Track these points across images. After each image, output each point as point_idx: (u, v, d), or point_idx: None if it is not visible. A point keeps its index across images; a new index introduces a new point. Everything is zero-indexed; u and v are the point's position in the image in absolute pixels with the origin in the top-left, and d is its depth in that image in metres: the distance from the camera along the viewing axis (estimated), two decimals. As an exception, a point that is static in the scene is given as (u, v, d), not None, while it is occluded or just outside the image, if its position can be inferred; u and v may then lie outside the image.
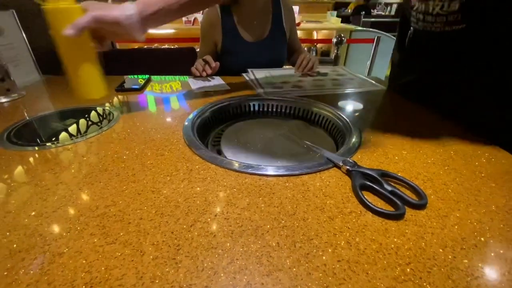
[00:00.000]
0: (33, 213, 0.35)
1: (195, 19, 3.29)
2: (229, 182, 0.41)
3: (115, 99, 0.76)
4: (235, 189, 0.39)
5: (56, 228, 0.32)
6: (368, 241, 0.31)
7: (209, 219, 0.34)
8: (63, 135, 0.56)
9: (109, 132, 0.57)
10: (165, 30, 3.22)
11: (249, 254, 0.29)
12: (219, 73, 0.99)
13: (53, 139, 0.54)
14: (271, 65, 1.04)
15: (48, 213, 0.35)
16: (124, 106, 0.72)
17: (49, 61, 1.21)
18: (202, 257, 0.29)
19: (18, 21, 0.89)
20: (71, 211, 0.35)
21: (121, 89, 0.82)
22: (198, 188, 0.39)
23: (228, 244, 0.31)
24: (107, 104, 0.71)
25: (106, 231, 0.32)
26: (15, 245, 0.30)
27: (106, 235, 0.31)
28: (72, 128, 0.59)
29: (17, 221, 0.33)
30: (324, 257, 0.29)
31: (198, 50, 1.44)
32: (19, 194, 0.38)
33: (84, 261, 0.28)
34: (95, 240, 0.31)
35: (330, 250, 0.30)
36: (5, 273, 0.27)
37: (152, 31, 3.24)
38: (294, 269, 0.28)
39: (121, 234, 0.32)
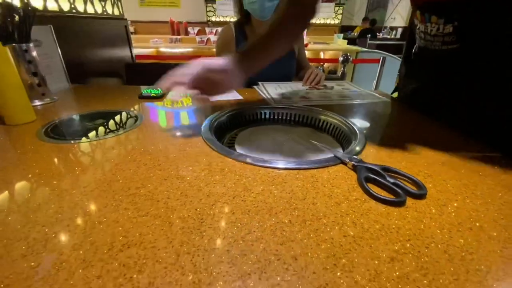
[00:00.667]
0: (74, 191, 0.40)
1: (207, 39, 3.48)
2: (244, 172, 0.45)
3: (139, 105, 0.82)
4: (250, 178, 0.44)
5: (94, 203, 0.37)
6: (372, 222, 0.35)
7: (228, 201, 0.38)
8: (93, 132, 0.62)
9: (136, 130, 0.62)
10: (181, 49, 3.41)
11: (264, 228, 0.33)
12: None
13: (84, 136, 0.60)
14: (280, 80, 1.11)
15: (86, 191, 0.39)
16: (147, 111, 0.78)
17: (77, 72, 1.32)
18: (223, 228, 0.33)
19: (54, 35, 0.99)
20: (106, 191, 0.40)
21: (144, 96, 0.89)
22: (217, 177, 0.44)
23: (246, 219, 0.34)
24: (132, 109, 0.77)
25: (138, 207, 0.36)
26: (59, 215, 0.35)
27: (139, 210, 0.36)
28: (101, 129, 0.65)
29: (61, 197, 0.38)
30: (332, 233, 0.33)
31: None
32: (61, 177, 0.43)
33: (120, 228, 0.33)
34: (129, 213, 0.35)
35: (337, 228, 0.33)
36: (53, 235, 0.32)
37: (167, 49, 3.43)
38: (305, 241, 0.31)
39: (152, 209, 0.36)
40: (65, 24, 1.22)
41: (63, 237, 0.31)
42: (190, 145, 0.55)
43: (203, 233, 0.32)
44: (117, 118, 0.72)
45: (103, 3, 1.54)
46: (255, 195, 0.39)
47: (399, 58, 3.12)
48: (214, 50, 3.24)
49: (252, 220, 0.34)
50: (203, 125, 0.65)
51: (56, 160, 0.49)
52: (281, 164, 0.48)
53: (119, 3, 1.71)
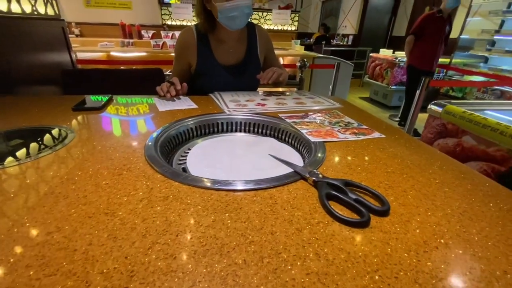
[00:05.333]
0: (-48, 247, 0.29)
1: (163, 43, 3.31)
2: (193, 200, 0.38)
3: (72, 119, 0.70)
4: (199, 207, 0.37)
5: (-20, 263, 0.27)
6: (337, 250, 0.31)
7: (169, 240, 0.31)
8: (8, 158, 0.49)
9: (61, 152, 0.52)
10: (133, 53, 3.18)
11: (213, 274, 0.27)
12: (192, 92, 0.99)
13: (-9, 162, 0.47)
14: (243, 89, 1.05)
15: (-28, 246, 0.29)
16: (81, 126, 0.67)
17: (-4, 81, 1.11)
18: (159, 282, 0.26)
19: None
20: (4, 241, 0.30)
21: (79, 108, 0.77)
22: (159, 208, 0.36)
23: (190, 265, 0.28)
24: (62, 125, 0.65)
25: (46, 262, 0.28)
26: None
27: (45, 266, 0.27)
28: (22, 150, 0.53)
29: None
30: (293, 271, 0.28)
31: (167, 71, 1.43)
32: None
33: (13, 300, 0.24)
34: (31, 273, 0.26)
35: (299, 263, 0.29)
36: None
37: (118, 53, 3.18)
38: (262, 287, 0.26)
39: (64, 263, 0.27)
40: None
41: None
42: (129, 167, 0.47)
43: (131, 293, 0.25)
44: (42, 136, 0.60)
45: (33, 2, 1.34)
46: (204, 229, 0.33)
47: (352, 64, 3.29)
48: (171, 54, 3.07)
49: (198, 266, 0.28)
50: (148, 140, 0.57)
51: None
52: (237, 185, 0.42)
53: (54, 2, 1.51)
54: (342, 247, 0.31)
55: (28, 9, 1.31)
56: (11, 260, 0.28)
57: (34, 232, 0.31)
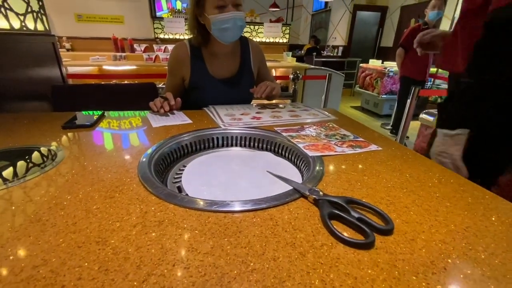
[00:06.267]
0: None
1: (156, 56, 3.32)
2: (190, 224, 0.37)
3: (62, 137, 0.68)
4: (197, 231, 0.35)
5: (-44, 306, 0.25)
6: (343, 276, 0.29)
7: (165, 271, 0.29)
8: (-12, 181, 0.47)
9: (50, 174, 0.49)
10: (125, 66, 3.17)
11: (213, 309, 0.25)
12: (186, 106, 0.97)
13: (-27, 187, 0.45)
14: (237, 102, 1.05)
15: (-52, 286, 0.27)
16: (71, 144, 0.64)
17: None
18: (156, 321, 0.24)
19: None
20: (-17, 279, 0.28)
21: (69, 126, 0.75)
22: (154, 234, 0.35)
23: (189, 299, 0.26)
24: (52, 143, 0.63)
25: (30, 302, 0.25)
26: None
27: (29, 307, 0.25)
28: (7, 172, 0.50)
29: None
30: (298, 302, 0.26)
31: (159, 85, 1.42)
32: None
33: None
34: (13, 316, 0.24)
35: (304, 292, 0.27)
36: None
37: (110, 67, 3.17)
38: (267, 322, 0.24)
39: (51, 303, 0.25)
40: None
41: None
42: (122, 189, 0.45)
43: (125, 335, 0.23)
44: (29, 157, 0.57)
45: (21, 18, 1.32)
46: (202, 257, 0.31)
47: (343, 74, 3.36)
48: (163, 67, 3.07)
49: (197, 299, 0.26)
50: (141, 159, 0.55)
51: None
52: (235, 206, 0.40)
53: (44, 18, 1.50)
54: (348, 272, 0.30)
55: (16, 25, 1.30)
56: (-8, 300, 0.25)
57: (18, 266, 0.29)
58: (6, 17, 1.23)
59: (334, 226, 0.36)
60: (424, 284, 0.29)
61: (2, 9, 1.20)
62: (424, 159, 0.61)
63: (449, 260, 0.32)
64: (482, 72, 0.61)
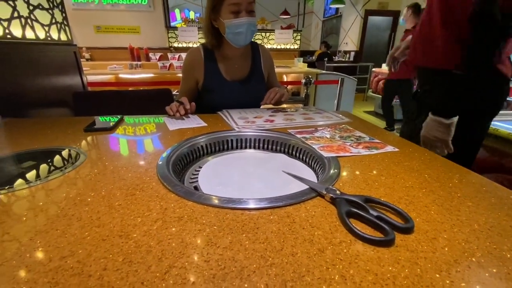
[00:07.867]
0: (-35, 274, 0.28)
1: (170, 64, 3.41)
2: (208, 220, 0.37)
3: (84, 140, 0.71)
4: (215, 227, 0.36)
5: (-7, 291, 0.26)
6: (363, 272, 0.29)
7: (186, 264, 0.30)
8: (19, 180, 0.49)
9: (73, 173, 0.52)
10: (141, 74, 3.28)
11: (234, 300, 0.25)
12: (199, 109, 1.00)
13: (7, 185, 0.47)
14: (249, 104, 1.07)
15: (-15, 273, 0.28)
16: (93, 146, 0.67)
17: (11, 104, 1.15)
18: (178, 310, 0.24)
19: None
20: (17, 267, 0.29)
21: (90, 129, 0.78)
22: (174, 229, 0.35)
23: (210, 290, 0.26)
24: (74, 145, 0.66)
25: (60, 289, 0.26)
26: None
27: (59, 294, 0.26)
28: (33, 173, 0.53)
29: None
30: (319, 296, 0.26)
31: (174, 91, 1.46)
32: (-50, 251, 0.32)
33: (26, 332, 0.22)
34: (44, 301, 0.25)
35: (324, 287, 0.27)
36: None
37: (127, 75, 3.28)
38: (287, 314, 0.24)
39: (79, 290, 0.26)
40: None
41: None
42: (142, 187, 0.46)
43: (150, 322, 0.23)
44: (53, 158, 0.60)
45: (46, 28, 1.40)
46: (221, 251, 0.32)
47: (355, 79, 3.34)
48: (177, 75, 3.14)
49: (218, 291, 0.26)
50: (160, 159, 0.57)
51: (-49, 225, 0.37)
52: (251, 203, 0.41)
53: (67, 28, 1.58)
54: (368, 268, 0.29)
55: (42, 35, 1.38)
56: (23, 287, 0.27)
57: (47, 257, 0.31)
58: (33, 28, 1.30)
59: (353, 224, 0.36)
60: (448, 281, 0.28)
61: (29, 21, 1.28)
62: (442, 159, 0.60)
63: (473, 259, 0.31)
64: (477, 67, 0.72)
